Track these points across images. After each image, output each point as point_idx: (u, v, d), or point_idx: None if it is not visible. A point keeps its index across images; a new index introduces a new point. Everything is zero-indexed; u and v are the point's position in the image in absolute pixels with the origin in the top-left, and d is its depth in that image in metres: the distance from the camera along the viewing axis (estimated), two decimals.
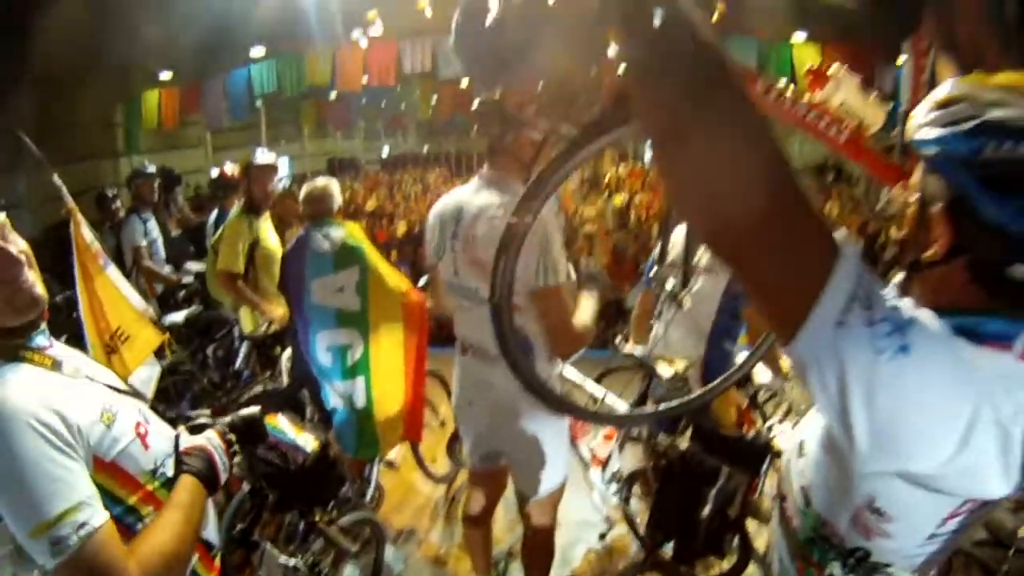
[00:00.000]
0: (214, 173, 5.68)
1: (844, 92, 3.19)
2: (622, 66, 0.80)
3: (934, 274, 0.94)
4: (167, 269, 5.51)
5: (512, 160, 2.29)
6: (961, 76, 1.17)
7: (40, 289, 1.34)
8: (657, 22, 0.72)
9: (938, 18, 1.35)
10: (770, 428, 2.84)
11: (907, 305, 0.86)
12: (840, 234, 0.81)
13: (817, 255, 0.79)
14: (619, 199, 8.64)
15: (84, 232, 3.20)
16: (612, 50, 0.90)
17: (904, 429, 0.83)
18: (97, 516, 1.17)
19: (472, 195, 2.33)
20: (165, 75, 11.68)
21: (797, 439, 1.21)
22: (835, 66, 3.17)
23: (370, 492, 3.55)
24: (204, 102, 11.69)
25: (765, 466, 2.77)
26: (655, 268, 2.79)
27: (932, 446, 0.84)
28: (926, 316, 0.86)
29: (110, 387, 1.41)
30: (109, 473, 1.28)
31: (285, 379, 4.03)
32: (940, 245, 0.93)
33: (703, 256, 2.94)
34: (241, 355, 4.64)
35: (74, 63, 7.86)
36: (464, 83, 12.65)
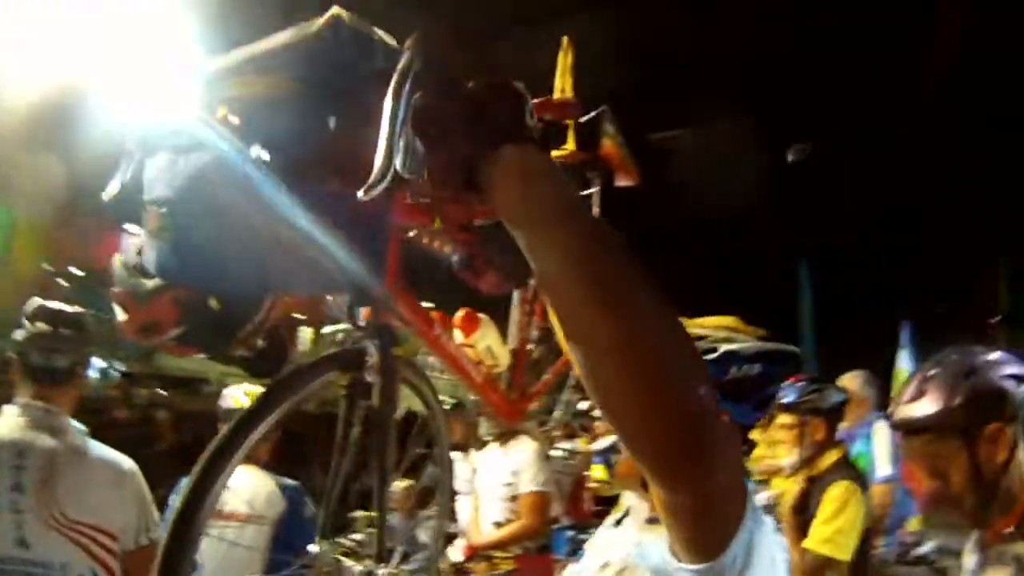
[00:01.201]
0: None
1: (489, 338, 3.72)
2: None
3: None
4: None
5: (75, 395, 2.05)
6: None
7: None
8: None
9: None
10: None
11: None
12: None
13: (739, 457, 0.94)
14: None
15: None
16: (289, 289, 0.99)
17: None
18: None
19: (24, 433, 1.89)
20: None
21: None
22: (482, 316, 3.72)
23: None
24: None
25: None
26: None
27: None
28: None
29: None
30: None
31: None
32: None
33: None
34: None
35: None
36: None
